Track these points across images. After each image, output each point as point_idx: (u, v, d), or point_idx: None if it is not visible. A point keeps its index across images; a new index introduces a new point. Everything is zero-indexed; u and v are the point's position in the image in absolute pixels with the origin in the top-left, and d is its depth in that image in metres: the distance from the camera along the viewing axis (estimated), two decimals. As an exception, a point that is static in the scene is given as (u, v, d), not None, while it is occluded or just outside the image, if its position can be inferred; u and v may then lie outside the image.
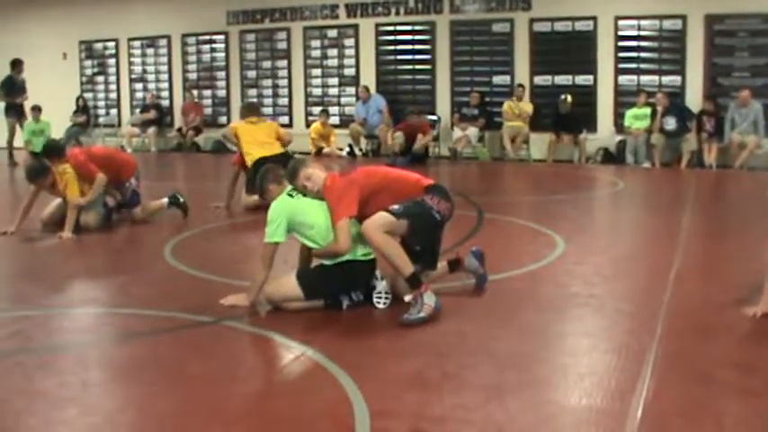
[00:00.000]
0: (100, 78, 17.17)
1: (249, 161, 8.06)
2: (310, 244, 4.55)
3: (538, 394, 3.35)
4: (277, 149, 8.16)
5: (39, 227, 7.20)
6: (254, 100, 14.75)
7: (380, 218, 4.35)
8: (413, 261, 4.37)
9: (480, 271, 4.93)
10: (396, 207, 4.40)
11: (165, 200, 7.83)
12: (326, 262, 4.54)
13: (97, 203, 7.25)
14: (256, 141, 8.19)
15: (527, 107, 13.25)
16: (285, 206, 4.52)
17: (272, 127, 8.58)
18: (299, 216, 4.49)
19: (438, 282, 4.78)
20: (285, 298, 4.49)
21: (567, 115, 12.80)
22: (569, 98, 12.80)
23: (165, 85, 16.52)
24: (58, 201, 7.26)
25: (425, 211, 4.49)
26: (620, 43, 12.82)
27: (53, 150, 7.32)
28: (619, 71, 12.90)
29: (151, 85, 16.60)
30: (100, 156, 7.51)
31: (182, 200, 7.86)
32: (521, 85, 13.33)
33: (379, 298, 4.55)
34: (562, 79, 13.20)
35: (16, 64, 14.22)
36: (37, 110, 14.22)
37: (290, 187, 4.64)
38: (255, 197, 8.03)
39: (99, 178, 7.12)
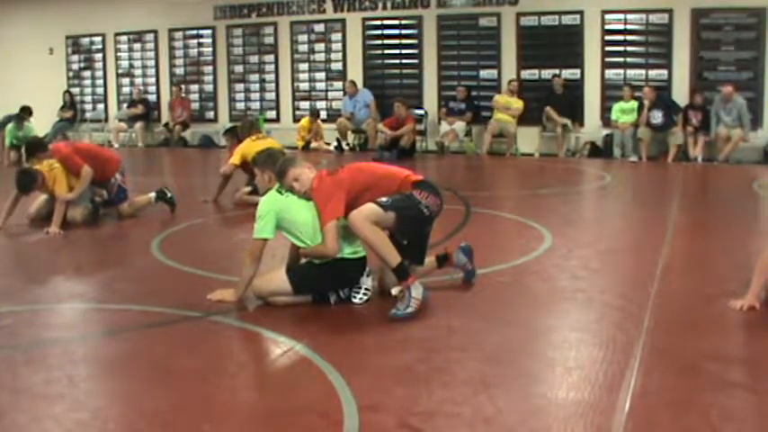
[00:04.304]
0: (87, 73, 17.08)
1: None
2: (298, 243, 4.53)
3: (526, 388, 3.36)
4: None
5: (26, 222, 7.17)
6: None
7: (368, 209, 4.33)
8: (400, 256, 4.36)
9: (469, 267, 4.92)
10: (384, 199, 4.39)
11: (153, 195, 7.81)
12: (315, 260, 4.54)
13: (84, 198, 7.23)
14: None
15: (517, 103, 13.20)
16: (274, 203, 4.50)
17: (275, 143, 8.43)
18: (288, 214, 4.47)
19: (426, 276, 4.77)
20: (274, 292, 4.48)
21: (560, 96, 12.86)
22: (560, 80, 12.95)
23: (152, 80, 16.45)
24: (44, 196, 7.23)
25: (413, 204, 4.47)
26: (607, 37, 12.86)
27: (35, 146, 7.54)
28: (605, 65, 12.94)
29: (138, 80, 16.54)
30: (84, 150, 7.49)
31: (169, 195, 7.83)
32: (514, 80, 13.29)
33: (357, 292, 4.54)
34: (549, 73, 13.20)
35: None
36: (27, 113, 13.86)
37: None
38: (249, 194, 7.99)
39: (85, 171, 7.09)
